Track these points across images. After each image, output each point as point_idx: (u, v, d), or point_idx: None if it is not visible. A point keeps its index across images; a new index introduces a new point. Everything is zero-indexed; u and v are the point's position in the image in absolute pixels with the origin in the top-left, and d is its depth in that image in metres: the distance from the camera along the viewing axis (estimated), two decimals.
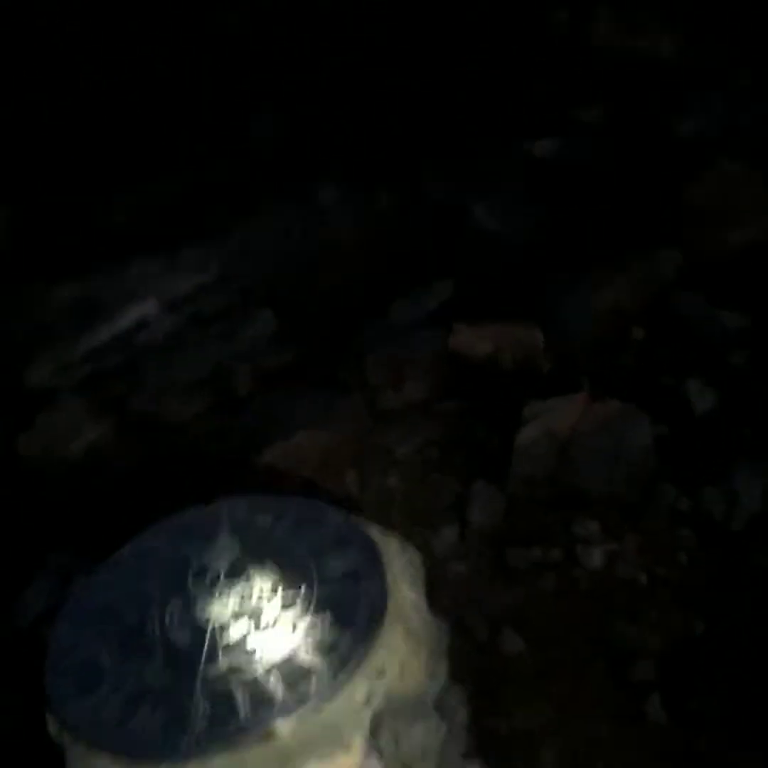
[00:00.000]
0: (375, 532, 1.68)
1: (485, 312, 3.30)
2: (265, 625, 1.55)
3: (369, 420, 3.14)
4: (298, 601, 1.57)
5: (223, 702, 1.45)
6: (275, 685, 1.45)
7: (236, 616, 1.57)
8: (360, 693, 1.44)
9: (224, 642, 1.54)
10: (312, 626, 1.52)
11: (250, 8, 5.25)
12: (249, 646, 1.52)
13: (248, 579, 1.62)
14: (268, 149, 4.60)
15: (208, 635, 1.56)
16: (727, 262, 3.35)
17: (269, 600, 1.58)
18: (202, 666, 1.51)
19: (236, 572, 1.65)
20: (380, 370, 3.22)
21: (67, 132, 4.74)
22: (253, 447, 2.99)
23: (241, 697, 1.45)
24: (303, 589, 1.59)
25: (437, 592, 1.58)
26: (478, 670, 2.33)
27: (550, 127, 4.40)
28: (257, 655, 1.50)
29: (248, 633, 1.54)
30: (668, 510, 2.70)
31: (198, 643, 1.55)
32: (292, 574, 1.62)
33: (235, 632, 1.55)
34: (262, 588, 1.61)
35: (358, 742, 1.39)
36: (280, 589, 1.60)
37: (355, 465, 3.02)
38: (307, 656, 1.48)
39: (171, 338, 3.55)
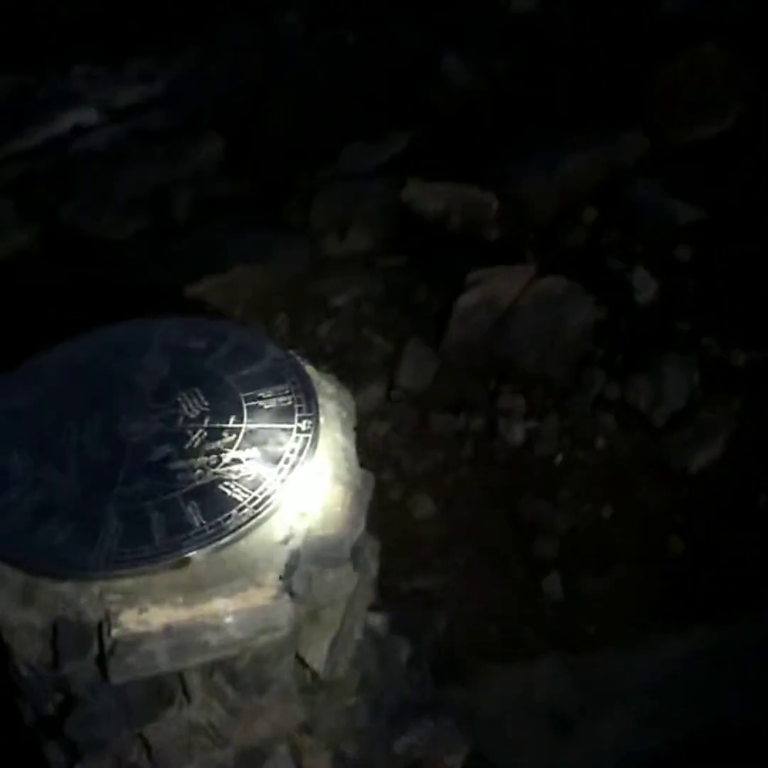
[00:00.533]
0: (312, 372, 1.62)
1: (440, 168, 3.19)
2: (189, 451, 1.49)
3: (308, 265, 3.04)
4: (226, 431, 1.51)
5: (136, 523, 1.40)
6: (193, 513, 1.40)
7: (159, 438, 1.51)
8: (279, 532, 1.40)
9: (143, 462, 1.48)
10: (237, 459, 1.47)
11: None
12: (169, 470, 1.46)
13: (176, 403, 1.55)
14: None
15: (127, 453, 1.49)
16: (691, 150, 3.26)
17: (195, 427, 1.51)
18: (118, 483, 1.44)
19: (163, 394, 1.58)
20: (326, 214, 3.11)
21: None
22: (186, 276, 2.87)
23: (156, 521, 1.40)
24: (232, 420, 1.53)
25: (358, 447, 1.55)
26: (388, 528, 2.33)
27: None
28: (177, 480, 1.44)
29: (170, 457, 1.48)
30: (595, 395, 2.69)
31: (116, 459, 1.48)
32: (223, 403, 1.55)
33: (156, 454, 1.49)
34: (189, 414, 1.54)
35: (271, 581, 1.36)
36: (208, 417, 1.53)
37: (287, 309, 2.95)
38: (228, 489, 1.43)
39: (110, 150, 3.35)
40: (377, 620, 1.71)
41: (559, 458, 2.62)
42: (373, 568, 1.63)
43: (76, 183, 3.19)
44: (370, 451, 2.39)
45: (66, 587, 1.37)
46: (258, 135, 3.52)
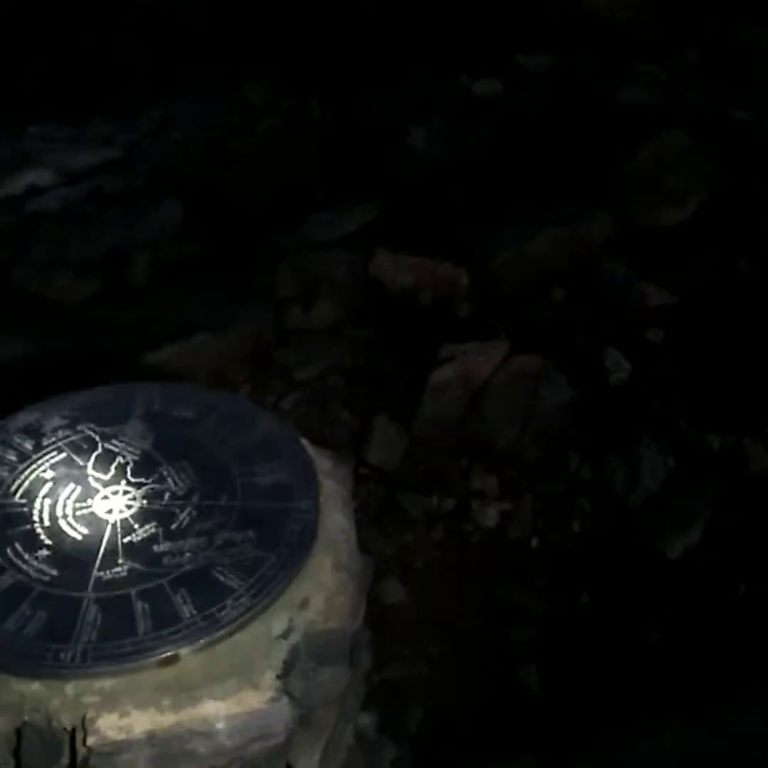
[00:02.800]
0: (308, 445, 1.49)
1: (408, 241, 3.14)
2: (176, 532, 1.34)
3: (272, 334, 2.93)
4: (217, 510, 1.37)
5: (118, 613, 1.24)
6: (182, 603, 1.25)
7: (143, 516, 1.35)
8: (279, 625, 1.26)
9: (125, 543, 1.32)
10: (231, 541, 1.33)
11: None
12: (155, 553, 1.30)
13: (161, 477, 1.40)
14: (199, 34, 4.26)
15: (107, 532, 1.33)
16: (658, 235, 3.29)
17: (183, 505, 1.37)
18: (96, 565, 1.28)
19: (147, 467, 1.43)
20: (291, 283, 3.01)
21: None
22: (144, 343, 2.73)
23: (140, 611, 1.24)
24: (224, 498, 1.39)
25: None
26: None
27: (493, 69, 4.26)
28: (164, 565, 1.29)
29: (155, 538, 1.33)
30: (569, 476, 2.62)
31: (94, 539, 1.32)
32: (213, 478, 1.41)
33: (139, 535, 1.33)
34: (176, 489, 1.39)
35: (268, 681, 1.21)
36: (197, 494, 1.39)
37: (251, 380, 2.83)
38: (222, 575, 1.28)
39: (65, 212, 3.22)
40: (366, 719, 1.56)
41: (534, 542, 2.53)
42: (366, 661, 1.49)
43: (30, 244, 3.05)
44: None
45: (35, 686, 1.20)
46: (219, 200, 3.43)
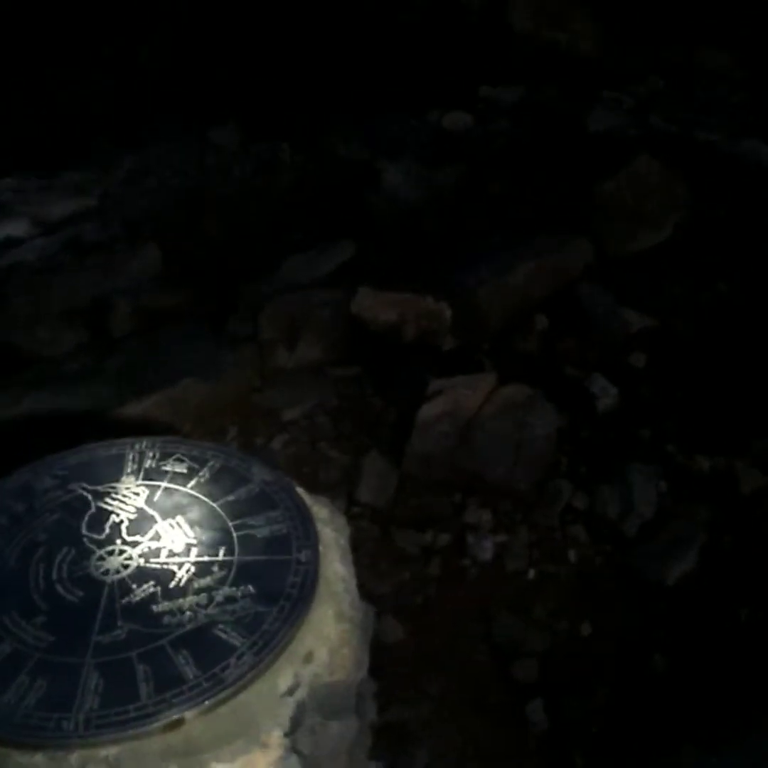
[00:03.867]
0: (303, 493, 1.47)
1: (387, 278, 3.15)
2: (175, 590, 1.31)
3: (257, 377, 2.92)
4: (215, 566, 1.34)
5: (119, 677, 1.21)
6: (185, 664, 1.22)
7: (140, 576, 1.33)
8: (284, 681, 1.23)
9: (123, 604, 1.29)
10: (231, 597, 1.30)
11: None
12: (154, 613, 1.28)
13: (157, 534, 1.38)
14: (166, 82, 4.28)
15: (105, 594, 1.30)
16: (636, 260, 3.32)
17: (181, 562, 1.34)
18: (96, 630, 1.25)
19: (142, 524, 1.40)
20: (274, 325, 3.00)
21: None
22: (128, 392, 2.72)
23: (142, 673, 1.21)
24: (222, 552, 1.36)
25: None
26: None
27: (462, 103, 4.30)
28: (164, 625, 1.26)
29: (154, 597, 1.30)
30: (563, 505, 2.61)
31: (92, 601, 1.29)
32: (210, 533, 1.39)
33: (137, 595, 1.31)
34: (172, 546, 1.37)
35: (277, 739, 1.18)
36: (194, 550, 1.37)
37: (238, 423, 2.81)
38: (223, 633, 1.26)
39: (42, 263, 3.20)
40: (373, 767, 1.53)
41: (532, 573, 2.52)
42: (372, 710, 1.47)
43: (7, 296, 3.02)
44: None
45: (38, 758, 1.16)
46: (196, 246, 3.43)
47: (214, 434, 2.75)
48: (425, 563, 2.54)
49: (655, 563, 2.50)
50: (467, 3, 5.05)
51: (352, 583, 1.38)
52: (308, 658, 1.27)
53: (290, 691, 1.23)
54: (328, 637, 1.28)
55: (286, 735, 1.20)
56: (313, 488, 2.59)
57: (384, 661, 2.36)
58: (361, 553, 2.54)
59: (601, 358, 2.97)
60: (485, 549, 2.54)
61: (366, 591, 2.45)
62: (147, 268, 3.23)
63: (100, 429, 2.35)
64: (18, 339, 2.88)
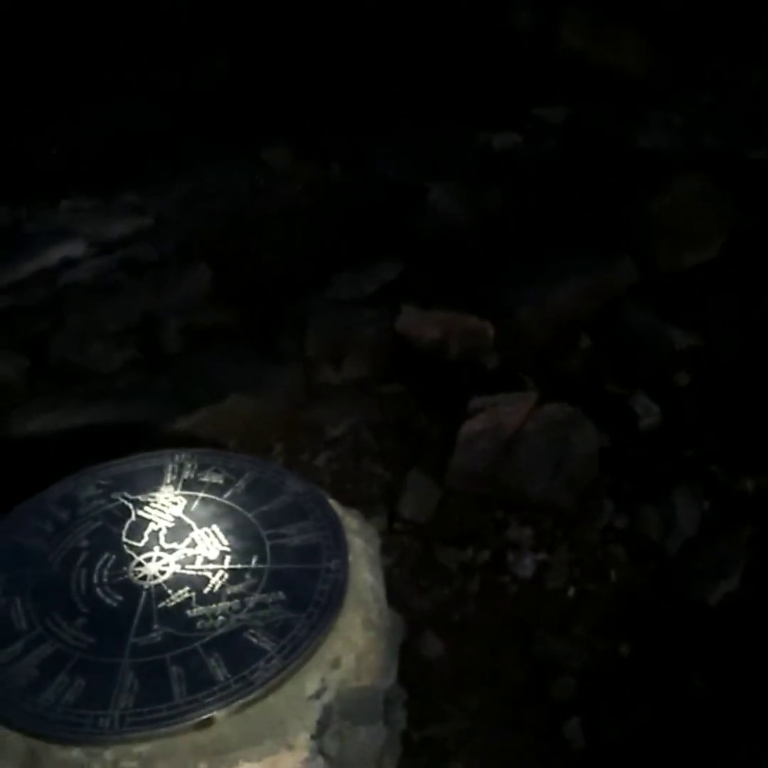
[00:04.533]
0: (336, 505, 1.51)
1: (433, 297, 3.19)
2: (209, 596, 1.36)
3: (303, 394, 2.97)
4: (248, 573, 1.39)
5: (153, 678, 1.26)
6: (216, 666, 1.27)
7: (176, 581, 1.38)
8: (311, 685, 1.27)
9: (160, 608, 1.34)
10: (262, 603, 1.34)
11: None
12: (188, 617, 1.33)
13: (193, 542, 1.43)
14: (221, 103, 4.39)
15: (142, 598, 1.36)
16: (681, 279, 3.31)
17: (215, 569, 1.39)
18: (132, 632, 1.31)
19: (179, 532, 1.46)
20: (320, 343, 3.05)
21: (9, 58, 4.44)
22: (177, 407, 2.78)
23: (175, 674, 1.26)
24: (254, 561, 1.41)
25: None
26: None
27: (511, 123, 4.33)
28: (197, 629, 1.31)
29: (189, 602, 1.35)
30: (604, 524, 2.61)
31: (129, 606, 1.35)
32: (243, 542, 1.44)
33: (173, 600, 1.36)
34: (207, 554, 1.42)
35: (303, 742, 1.22)
36: (228, 557, 1.41)
37: (283, 439, 2.86)
38: (254, 637, 1.30)
39: (98, 282, 3.31)
40: None
41: (571, 591, 2.51)
42: (402, 719, 1.49)
43: (64, 315, 3.13)
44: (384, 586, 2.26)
45: (75, 753, 1.22)
46: (246, 265, 3.51)
47: (260, 450, 2.80)
48: (466, 579, 2.55)
49: (697, 583, 2.48)
50: (518, 24, 5.10)
51: (381, 592, 1.42)
52: (335, 663, 1.30)
53: (317, 695, 1.26)
54: (355, 644, 1.32)
55: (312, 737, 1.23)
56: (355, 504, 2.65)
57: (423, 676, 2.39)
58: (402, 568, 2.59)
59: (645, 377, 2.96)
60: (525, 566, 2.55)
61: (406, 606, 2.51)
62: (198, 288, 3.31)
63: (150, 442, 2.42)
64: (73, 355, 2.98)
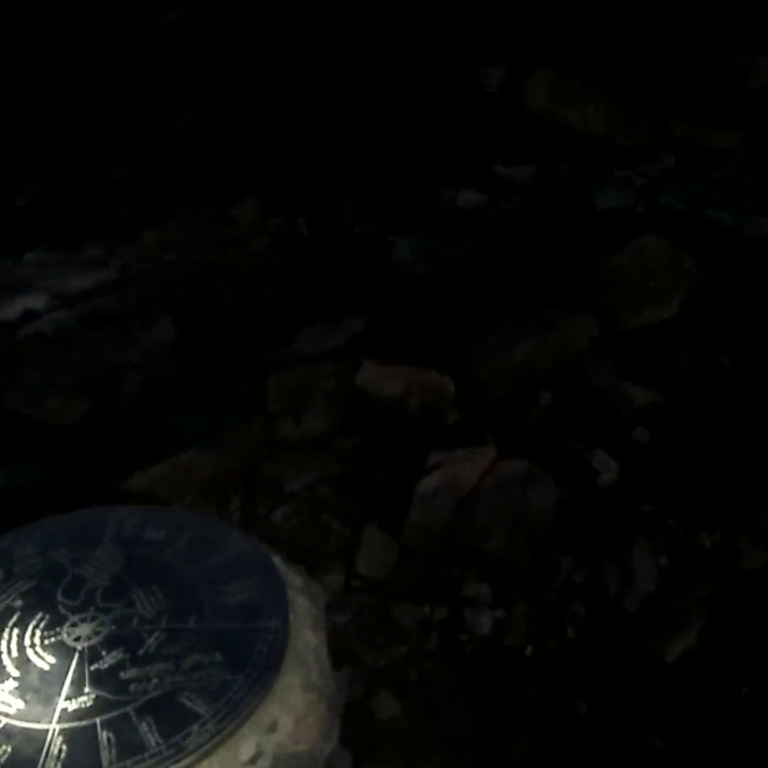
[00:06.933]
0: (280, 563, 1.49)
1: (395, 351, 3.19)
2: (144, 657, 1.33)
3: (263, 448, 2.96)
4: (185, 633, 1.37)
5: (83, 743, 1.22)
6: (148, 731, 1.23)
7: (110, 642, 1.35)
8: (247, 749, 1.24)
9: (92, 670, 1.31)
10: (198, 665, 1.32)
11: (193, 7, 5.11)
12: (122, 680, 1.30)
13: (130, 602, 1.41)
14: (187, 156, 4.43)
15: (74, 660, 1.33)
16: (641, 335, 3.34)
17: (151, 629, 1.37)
18: (62, 695, 1.27)
19: (116, 591, 1.43)
20: (280, 397, 3.05)
21: None
22: (135, 460, 2.76)
23: (105, 741, 1.23)
24: (192, 620, 1.38)
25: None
26: (349, 731, 2.14)
27: (476, 180, 4.39)
28: (130, 692, 1.28)
29: (123, 664, 1.32)
30: (562, 580, 2.60)
31: (62, 668, 1.32)
32: (182, 600, 1.41)
33: (106, 662, 1.33)
34: (144, 613, 1.39)
35: None
36: (165, 617, 1.39)
37: (241, 494, 2.84)
38: (189, 700, 1.27)
39: (59, 334, 3.30)
40: None
41: (529, 649, 2.49)
42: None
43: (22, 368, 3.11)
44: (328, 645, 2.22)
45: None
46: (210, 318, 3.51)
47: (217, 504, 2.78)
48: (423, 637, 2.52)
49: (655, 640, 2.47)
50: (488, 84, 5.20)
51: (324, 652, 1.40)
52: (272, 726, 1.27)
53: (252, 761, 1.23)
54: (293, 706, 1.29)
55: None
56: (312, 560, 2.63)
57: (377, 738, 2.35)
58: (358, 626, 2.56)
59: (604, 433, 2.98)
60: (483, 624, 2.52)
61: (362, 664, 2.47)
62: (160, 341, 3.31)
63: (105, 498, 2.39)
64: (28, 408, 2.95)
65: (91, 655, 1.35)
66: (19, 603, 1.43)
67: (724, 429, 2.93)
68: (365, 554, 2.63)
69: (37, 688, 1.31)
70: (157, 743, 1.23)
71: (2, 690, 1.30)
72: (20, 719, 1.27)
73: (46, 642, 1.37)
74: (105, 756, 1.22)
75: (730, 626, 2.48)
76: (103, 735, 1.24)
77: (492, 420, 3.03)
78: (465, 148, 4.60)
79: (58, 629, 1.39)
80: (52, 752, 1.23)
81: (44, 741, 1.24)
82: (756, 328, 3.28)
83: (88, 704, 1.28)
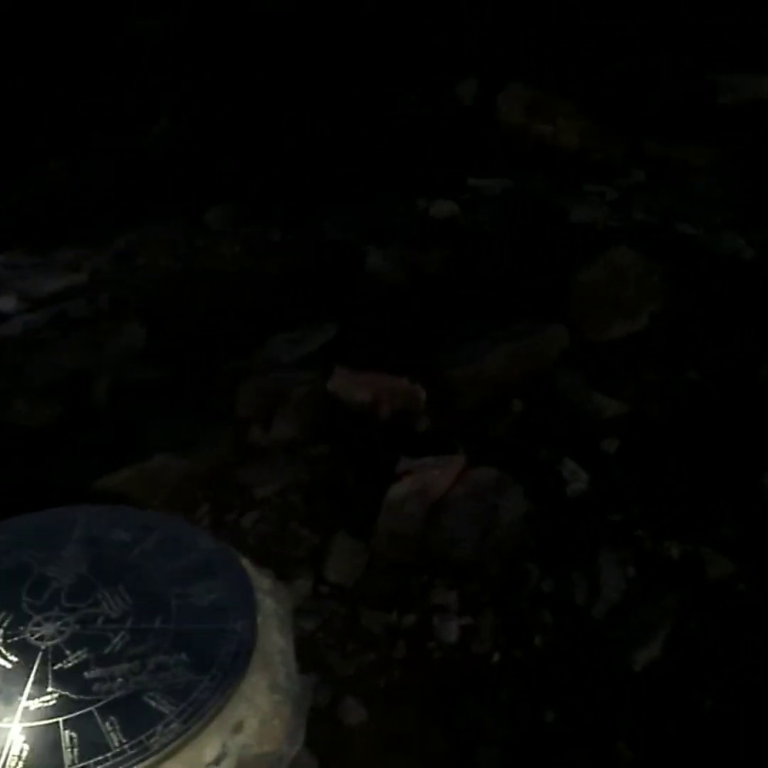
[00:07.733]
0: (248, 565, 1.49)
1: (368, 359, 3.20)
2: (108, 657, 1.32)
3: (232, 454, 2.95)
4: (151, 634, 1.35)
5: (44, 743, 1.21)
6: (111, 730, 1.22)
7: (74, 642, 1.34)
8: (211, 750, 1.23)
9: (55, 669, 1.30)
10: (164, 665, 1.31)
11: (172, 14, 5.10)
12: (85, 679, 1.28)
13: (95, 601, 1.40)
14: (161, 163, 4.42)
15: (37, 659, 1.31)
16: (611, 347, 3.37)
17: (117, 629, 1.35)
18: (25, 695, 1.26)
19: (81, 591, 1.42)
20: (251, 403, 3.04)
21: None
22: (104, 464, 2.74)
23: (67, 740, 1.21)
24: (158, 621, 1.37)
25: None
26: (316, 737, 2.13)
27: (449, 192, 4.42)
28: (93, 692, 1.27)
29: (87, 664, 1.31)
30: (530, 589, 2.60)
31: (25, 667, 1.30)
32: (148, 601, 1.40)
33: (70, 661, 1.31)
34: (110, 613, 1.38)
35: None
36: (131, 617, 1.38)
37: (210, 499, 2.83)
38: (153, 700, 1.26)
39: (27, 337, 3.27)
40: None
41: (496, 657, 2.49)
42: None
43: None
44: (296, 651, 2.21)
45: None
46: (181, 324, 3.50)
47: (186, 509, 2.76)
48: (391, 644, 2.52)
49: (622, 649, 2.48)
50: (460, 97, 5.23)
51: (291, 654, 1.39)
52: (238, 727, 1.27)
53: (217, 761, 1.22)
54: (259, 707, 1.29)
55: None
56: (280, 566, 2.62)
57: (343, 745, 2.34)
58: (327, 632, 2.55)
59: (574, 443, 2.99)
60: (450, 631, 2.52)
61: (330, 671, 2.47)
62: (131, 345, 3.29)
63: (73, 501, 2.37)
64: None
65: (55, 655, 1.33)
66: None
67: (691, 441, 2.96)
68: (334, 561, 2.63)
69: None
70: (121, 743, 1.22)
71: None
72: None
73: (9, 641, 1.36)
74: (67, 755, 1.20)
75: (696, 636, 2.49)
76: (66, 734, 1.23)
77: (463, 428, 3.04)
78: (439, 160, 4.63)
79: (21, 628, 1.37)
80: (14, 751, 1.21)
81: (6, 740, 1.22)
82: (724, 343, 3.31)
83: (51, 703, 1.26)
